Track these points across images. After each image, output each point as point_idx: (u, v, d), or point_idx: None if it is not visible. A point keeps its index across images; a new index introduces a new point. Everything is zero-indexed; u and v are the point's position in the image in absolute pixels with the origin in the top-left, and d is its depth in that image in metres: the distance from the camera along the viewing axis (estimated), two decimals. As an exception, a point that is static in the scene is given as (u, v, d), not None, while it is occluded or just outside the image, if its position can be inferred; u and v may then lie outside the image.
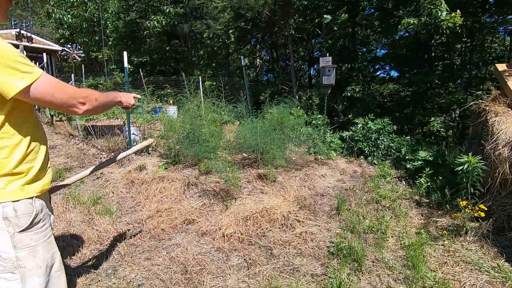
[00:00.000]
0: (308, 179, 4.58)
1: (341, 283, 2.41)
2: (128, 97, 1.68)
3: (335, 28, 7.17)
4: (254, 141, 4.57)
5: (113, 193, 4.11)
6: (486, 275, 2.59)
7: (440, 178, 4.01)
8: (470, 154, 3.47)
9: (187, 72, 14.90)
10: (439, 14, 4.68)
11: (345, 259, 2.74)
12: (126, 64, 5.09)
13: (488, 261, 2.75)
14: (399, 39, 6.79)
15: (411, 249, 2.92)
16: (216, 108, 6.01)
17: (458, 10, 4.67)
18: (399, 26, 5.39)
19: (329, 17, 6.91)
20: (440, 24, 4.77)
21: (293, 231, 3.24)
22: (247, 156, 5.42)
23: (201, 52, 14.39)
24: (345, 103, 7.02)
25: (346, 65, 8.42)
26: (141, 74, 11.50)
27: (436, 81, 5.77)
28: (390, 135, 5.77)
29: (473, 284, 2.48)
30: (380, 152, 5.71)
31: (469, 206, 3.12)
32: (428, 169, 4.22)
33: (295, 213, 3.54)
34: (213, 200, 3.76)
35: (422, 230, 3.25)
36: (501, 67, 4.52)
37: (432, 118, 5.77)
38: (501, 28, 6.85)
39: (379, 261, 2.77)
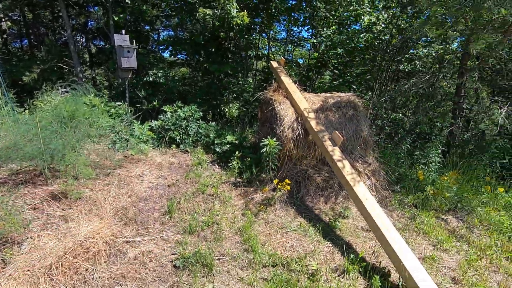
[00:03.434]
0: (124, 184, 3.85)
1: (199, 298, 2.23)
2: None
3: (127, 1, 6.17)
4: (36, 145, 3.16)
5: None
6: (295, 233, 3.32)
7: (249, 159, 4.66)
8: (269, 137, 4.21)
9: None
10: (231, 10, 5.21)
11: (194, 269, 2.56)
12: None
13: (293, 222, 3.55)
14: (192, 26, 7.03)
15: (244, 232, 3.21)
16: None
17: (245, 10, 5.43)
18: (197, 14, 5.48)
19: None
20: (231, 20, 5.33)
21: (125, 258, 2.61)
22: (20, 169, 3.72)
23: None
24: (147, 88, 6.42)
25: (140, 45, 7.66)
26: None
27: (229, 71, 6.57)
28: (198, 122, 5.96)
29: (291, 245, 3.11)
30: (191, 139, 5.79)
31: (279, 183, 3.83)
32: (238, 152, 4.76)
33: (121, 234, 2.87)
34: (-29, 258, 2.27)
35: (247, 211, 3.65)
36: (274, 64, 5.76)
37: (230, 105, 6.59)
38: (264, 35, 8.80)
39: (224, 255, 2.83)
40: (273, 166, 4.25)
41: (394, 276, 2.75)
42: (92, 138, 4.25)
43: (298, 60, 11.29)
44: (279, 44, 10.81)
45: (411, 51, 8.28)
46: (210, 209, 3.62)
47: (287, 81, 5.06)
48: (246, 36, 6.90)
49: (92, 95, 4.92)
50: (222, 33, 6.05)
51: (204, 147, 5.82)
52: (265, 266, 2.75)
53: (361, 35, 8.00)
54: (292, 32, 8.75)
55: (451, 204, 4.22)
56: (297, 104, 4.53)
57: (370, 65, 8.65)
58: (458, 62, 5.82)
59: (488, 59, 4.93)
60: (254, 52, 9.10)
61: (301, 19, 8.65)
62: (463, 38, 5.51)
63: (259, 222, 3.50)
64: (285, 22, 8.76)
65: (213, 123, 5.99)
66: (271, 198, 3.89)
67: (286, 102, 4.75)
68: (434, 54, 7.72)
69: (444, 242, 3.36)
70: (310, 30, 8.77)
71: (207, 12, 5.44)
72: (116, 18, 6.53)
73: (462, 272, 2.89)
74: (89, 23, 13.25)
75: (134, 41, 5.73)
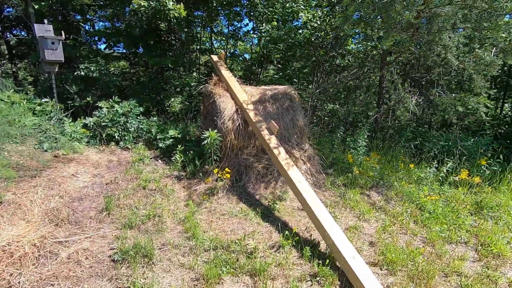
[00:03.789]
0: (55, 185, 3.61)
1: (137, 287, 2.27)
2: None
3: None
4: None
5: None
6: (236, 218, 3.51)
7: (192, 152, 4.70)
8: (210, 129, 4.31)
9: None
10: (167, 2, 5.12)
11: (134, 260, 2.57)
12: None
13: (235, 208, 3.73)
14: (130, 17, 6.64)
15: (187, 221, 3.30)
16: None
17: (182, 3, 5.36)
18: (131, 6, 5.25)
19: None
20: (168, 12, 5.24)
21: (57, 258, 2.50)
22: None
23: None
24: (79, 83, 5.93)
25: (70, 36, 6.97)
26: None
27: (170, 65, 6.43)
28: (138, 117, 5.77)
29: (232, 229, 3.29)
30: (131, 135, 5.59)
31: (219, 172, 3.96)
32: (180, 146, 4.77)
33: (52, 235, 2.74)
34: None
35: (190, 201, 3.72)
36: (215, 58, 5.84)
37: (172, 99, 6.46)
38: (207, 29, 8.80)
39: (166, 245, 2.89)
40: (215, 158, 4.37)
41: (323, 246, 3.11)
42: (13, 138, 3.88)
43: (245, 55, 11.50)
44: (223, 38, 10.86)
45: (346, 47, 9.06)
46: (152, 203, 3.61)
47: (227, 74, 5.18)
48: (186, 30, 6.81)
49: (11, 91, 4.44)
50: (161, 25, 5.89)
51: (146, 143, 5.68)
52: (206, 250, 2.88)
53: (299, 31, 8.48)
54: (234, 26, 8.87)
55: (374, 181, 4.84)
56: (237, 96, 4.69)
57: (309, 59, 9.23)
58: (380, 57, 6.59)
59: (401, 54, 5.69)
60: (198, 46, 9.02)
61: (242, 14, 8.83)
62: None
63: (201, 211, 3.60)
64: (226, 16, 8.85)
65: (155, 118, 5.86)
66: (214, 188, 4.02)
67: (226, 95, 4.88)
68: (361, 50, 8.56)
69: (366, 213, 3.88)
70: (251, 25, 9.01)
71: (142, 4, 5.26)
72: (36, 6, 5.90)
73: (378, 236, 3.39)
74: (6, 10, 11.64)
75: (62, 31, 5.26)
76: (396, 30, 4.43)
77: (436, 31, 5.15)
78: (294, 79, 10.16)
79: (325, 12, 8.04)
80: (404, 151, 5.80)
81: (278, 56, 10.08)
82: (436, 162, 5.30)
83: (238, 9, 8.54)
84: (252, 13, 8.47)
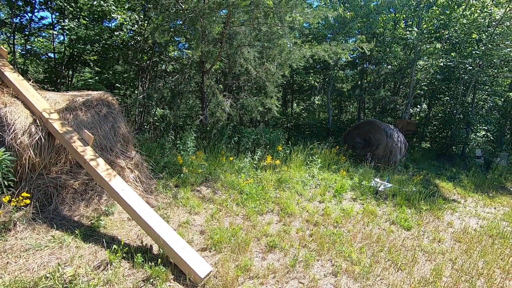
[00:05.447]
0: None
1: None
2: None
3: None
4: None
5: None
6: (47, 249, 2.93)
7: (-37, 181, 3.43)
8: (-8, 148, 3.32)
9: None
10: None
11: None
12: None
13: (44, 238, 3.09)
14: None
15: (-39, 275, 2.43)
16: None
17: None
18: None
19: None
20: None
21: None
22: None
23: None
24: None
25: None
26: None
27: None
28: None
29: (41, 263, 2.72)
30: None
31: (13, 199, 3.12)
32: None
33: None
34: None
35: (-34, 247, 2.75)
36: (-8, 55, 4.49)
37: None
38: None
39: None
40: (6, 183, 3.42)
41: (155, 248, 3.15)
42: None
43: (50, 54, 9.42)
44: (10, 30, 8.42)
45: (168, 53, 9.24)
46: None
47: (14, 77, 4.14)
48: None
49: None
50: None
51: None
52: (0, 301, 2.25)
53: (116, 33, 7.89)
54: (21, 17, 7.08)
55: (203, 177, 5.32)
56: (33, 104, 3.85)
57: (131, 64, 8.77)
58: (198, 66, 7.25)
59: (214, 64, 6.51)
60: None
61: (35, 3, 7.18)
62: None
63: (-12, 255, 2.75)
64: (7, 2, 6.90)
65: None
66: (8, 221, 3.14)
67: (17, 103, 3.91)
68: (184, 57, 9.07)
69: (197, 207, 4.23)
70: (50, 19, 7.52)
71: None
72: None
73: (207, 225, 3.80)
74: None
75: None
76: (204, 42, 5.03)
77: (237, 46, 6.26)
78: (117, 84, 9.37)
79: (141, 16, 7.88)
80: (226, 147, 6.72)
81: (95, 58, 8.97)
82: (250, 152, 6.48)
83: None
84: (49, 5, 7.06)
